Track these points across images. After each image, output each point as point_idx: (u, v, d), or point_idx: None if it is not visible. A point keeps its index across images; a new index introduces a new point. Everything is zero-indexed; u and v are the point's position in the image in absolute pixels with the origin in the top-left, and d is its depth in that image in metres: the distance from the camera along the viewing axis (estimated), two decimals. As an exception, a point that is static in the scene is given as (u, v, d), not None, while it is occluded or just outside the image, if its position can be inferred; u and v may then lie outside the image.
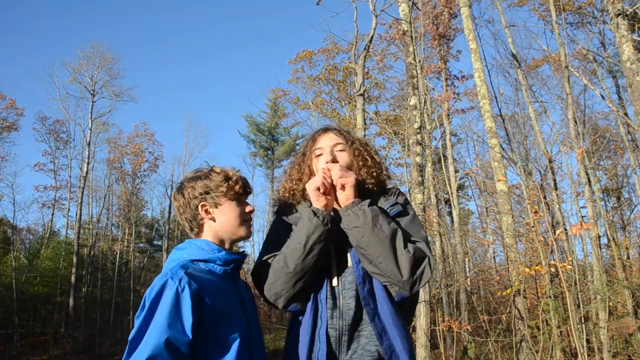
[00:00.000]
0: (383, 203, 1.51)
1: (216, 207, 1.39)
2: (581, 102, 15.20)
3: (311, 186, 1.43)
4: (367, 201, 1.42)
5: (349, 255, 1.45)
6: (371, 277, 1.41)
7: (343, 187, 1.43)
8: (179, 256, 1.33)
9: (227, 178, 1.40)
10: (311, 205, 1.46)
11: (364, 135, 8.34)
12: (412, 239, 1.45)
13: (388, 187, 1.61)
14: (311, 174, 1.56)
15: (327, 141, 1.54)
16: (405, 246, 1.37)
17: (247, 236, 1.45)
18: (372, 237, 1.35)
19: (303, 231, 1.38)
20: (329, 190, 1.44)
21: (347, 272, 1.44)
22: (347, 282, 1.43)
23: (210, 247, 1.36)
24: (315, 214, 1.39)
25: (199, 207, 1.38)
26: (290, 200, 1.60)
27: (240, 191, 1.42)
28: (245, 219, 1.43)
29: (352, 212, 1.39)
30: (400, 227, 1.43)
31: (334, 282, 1.44)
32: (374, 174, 1.54)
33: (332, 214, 1.45)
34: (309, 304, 1.43)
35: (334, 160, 1.50)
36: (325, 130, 1.59)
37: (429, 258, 1.40)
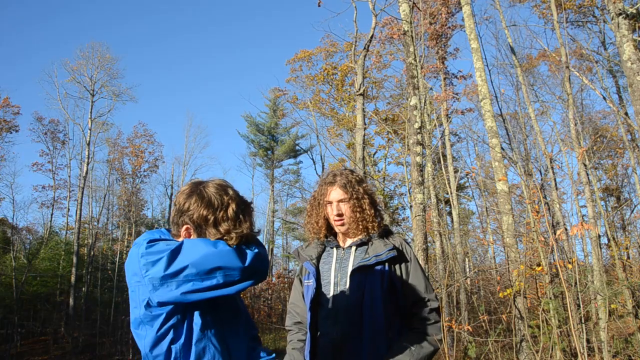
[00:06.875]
0: (380, 248, 1.78)
1: (197, 234, 1.31)
2: (581, 101, 15.20)
3: None
4: None
5: (348, 279, 1.75)
6: (371, 299, 1.70)
7: None
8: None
9: (227, 232, 1.29)
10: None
11: (364, 135, 8.33)
12: (425, 299, 1.74)
13: (386, 227, 1.92)
14: (324, 217, 1.93)
15: (334, 195, 1.88)
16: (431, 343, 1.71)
17: None
18: None
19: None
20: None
21: (346, 293, 1.74)
22: (345, 304, 1.73)
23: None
24: None
25: (183, 228, 1.30)
26: (310, 236, 2.00)
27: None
28: None
29: None
30: (397, 276, 1.75)
31: (333, 300, 1.76)
32: (366, 224, 1.86)
33: (336, 241, 1.89)
34: (309, 318, 1.78)
35: (340, 214, 1.86)
36: (333, 183, 1.90)
37: (439, 318, 1.76)
